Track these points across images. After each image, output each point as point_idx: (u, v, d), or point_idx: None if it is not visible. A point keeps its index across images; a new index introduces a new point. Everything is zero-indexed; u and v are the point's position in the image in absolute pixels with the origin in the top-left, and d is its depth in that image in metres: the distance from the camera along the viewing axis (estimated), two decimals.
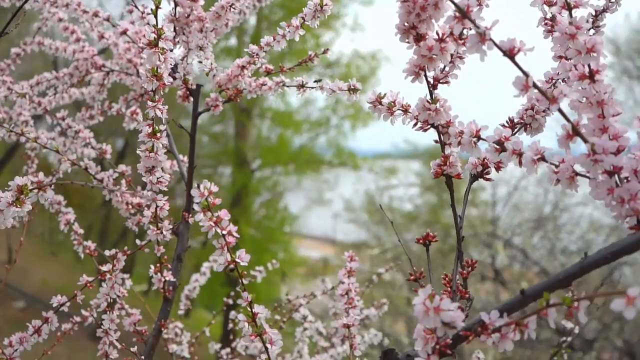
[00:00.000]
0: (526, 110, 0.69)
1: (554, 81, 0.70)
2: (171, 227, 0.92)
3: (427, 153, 11.93)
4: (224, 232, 0.63)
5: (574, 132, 0.52)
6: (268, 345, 0.65)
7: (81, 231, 1.11)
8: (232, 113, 11.79)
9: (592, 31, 0.73)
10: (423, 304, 0.51)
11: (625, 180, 0.52)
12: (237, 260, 0.64)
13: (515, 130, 0.70)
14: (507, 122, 0.70)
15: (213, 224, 0.63)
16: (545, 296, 0.48)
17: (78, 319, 1.14)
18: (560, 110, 0.52)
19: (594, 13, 0.73)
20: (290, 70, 1.00)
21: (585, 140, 0.52)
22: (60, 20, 1.21)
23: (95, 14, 1.11)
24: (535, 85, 0.51)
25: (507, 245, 6.13)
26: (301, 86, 0.97)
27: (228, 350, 1.38)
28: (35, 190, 0.67)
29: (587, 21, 0.72)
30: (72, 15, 1.17)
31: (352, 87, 0.85)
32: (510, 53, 0.51)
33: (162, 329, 1.00)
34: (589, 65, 0.54)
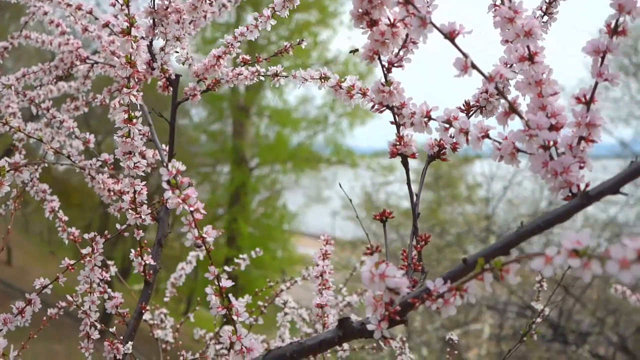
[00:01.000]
0: (481, 93, 0.73)
1: (508, 66, 0.73)
2: (150, 211, 0.95)
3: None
4: (192, 209, 0.66)
5: (511, 109, 0.55)
6: (234, 317, 0.69)
7: (65, 218, 1.15)
8: (230, 112, 11.83)
9: (545, 17, 0.76)
10: (369, 271, 0.54)
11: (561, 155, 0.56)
12: (204, 235, 0.67)
13: (472, 112, 0.73)
14: (463, 104, 0.73)
15: (181, 201, 0.66)
16: (479, 261, 0.51)
17: (63, 303, 1.17)
18: (498, 89, 0.55)
19: (547, 0, 0.76)
20: (266, 61, 1.04)
21: (521, 117, 0.55)
22: (45, 13, 1.25)
23: (78, 7, 1.14)
24: (473, 66, 0.54)
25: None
26: (275, 75, 1.00)
27: (211, 334, 1.41)
28: (12, 172, 0.71)
29: (541, 8, 0.76)
30: (56, 8, 1.21)
31: (323, 75, 0.88)
32: (450, 36, 0.55)
33: (143, 311, 1.04)
34: (528, 47, 0.58)
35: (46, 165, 1.01)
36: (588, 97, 0.56)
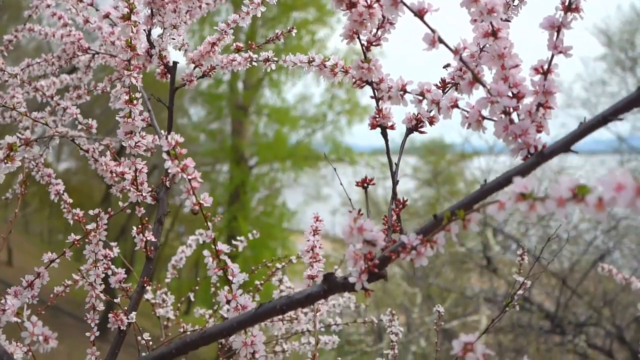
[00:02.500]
0: (456, 71, 0.79)
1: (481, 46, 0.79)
2: (150, 189, 1.01)
3: (423, 147, 12.03)
4: (190, 178, 0.72)
5: (475, 79, 0.61)
6: (230, 277, 0.75)
7: (70, 200, 1.21)
8: (228, 111, 11.89)
9: (516, 1, 0.82)
10: (349, 225, 0.60)
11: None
12: (202, 202, 0.73)
13: (447, 88, 0.79)
14: (439, 81, 0.79)
15: (180, 170, 0.72)
16: (446, 215, 0.57)
17: (69, 282, 1.23)
18: (462, 61, 0.61)
19: None
20: (258, 48, 1.10)
21: (484, 86, 0.61)
22: (48, 6, 1.31)
23: (79, 0, 1.20)
24: (440, 40, 0.60)
25: (498, 233, 6.23)
26: (267, 60, 1.06)
27: (210, 311, 1.47)
28: (23, 146, 0.77)
29: None
30: (56, 2, 1.27)
31: (311, 59, 0.94)
32: (420, 13, 0.61)
33: (145, 285, 1.10)
34: (491, 24, 0.64)
35: (55, 142, 1.07)
36: (545, 67, 0.62)
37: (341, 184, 1.00)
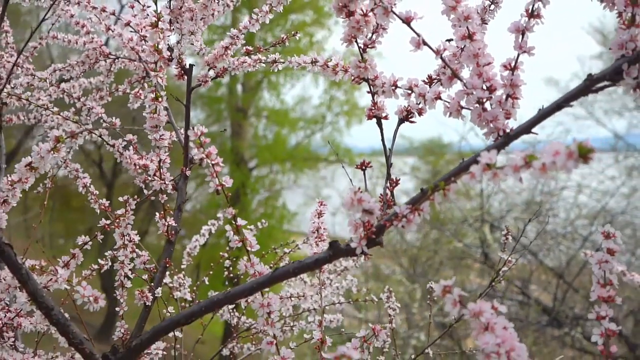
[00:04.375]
0: (440, 68, 0.91)
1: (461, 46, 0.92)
2: (172, 178, 1.14)
3: (422, 148, 12.16)
4: (213, 163, 0.85)
5: (453, 74, 0.74)
6: (248, 248, 0.87)
7: (96, 192, 1.33)
8: (228, 113, 12.02)
9: (492, 6, 0.94)
10: (350, 197, 0.73)
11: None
12: (223, 183, 0.86)
13: (433, 83, 0.91)
14: (427, 78, 0.92)
15: (205, 156, 0.84)
16: (430, 187, 0.69)
17: (95, 266, 1.35)
18: (442, 59, 0.74)
19: None
20: (265, 51, 1.22)
21: (461, 80, 0.74)
22: (72, 16, 1.43)
23: (103, 9, 1.32)
24: (424, 42, 0.73)
25: (496, 229, 6.35)
26: (274, 62, 1.19)
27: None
28: (69, 138, 0.89)
29: None
30: (82, 12, 1.39)
31: (314, 59, 1.06)
32: (407, 20, 0.73)
33: (167, 265, 1.22)
34: (467, 28, 0.76)
35: (93, 134, 1.19)
36: (512, 65, 0.75)
37: (349, 179, 1.12)
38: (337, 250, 0.80)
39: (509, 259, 1.31)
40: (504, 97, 0.75)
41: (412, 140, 12.46)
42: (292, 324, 1.44)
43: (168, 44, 1.22)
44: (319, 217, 1.19)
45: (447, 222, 8.20)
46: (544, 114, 0.69)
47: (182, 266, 1.62)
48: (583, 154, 0.50)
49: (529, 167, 0.55)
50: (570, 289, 6.44)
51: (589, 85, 0.67)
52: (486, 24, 0.91)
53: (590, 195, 8.32)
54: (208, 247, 10.30)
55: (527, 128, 0.69)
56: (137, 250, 1.25)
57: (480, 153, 0.59)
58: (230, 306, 1.56)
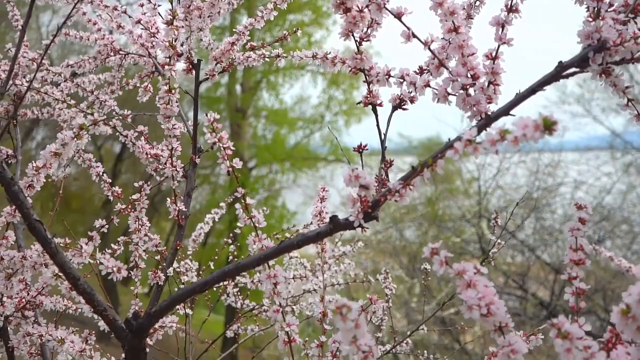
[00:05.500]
0: (430, 59, 0.99)
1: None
2: (183, 165, 1.22)
3: (421, 146, 12.25)
4: (225, 146, 0.93)
5: (440, 64, 0.82)
6: (257, 224, 0.95)
7: (109, 180, 1.41)
8: (227, 114, 12.10)
9: (477, 2, 1.02)
10: (348, 174, 0.81)
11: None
12: (234, 164, 0.94)
13: (424, 73, 1.00)
14: (418, 68, 1.00)
15: (217, 141, 0.93)
16: (419, 163, 0.78)
17: (110, 250, 1.43)
18: (430, 50, 0.82)
19: None
20: (269, 46, 1.31)
21: (447, 69, 0.82)
22: (84, 14, 1.51)
23: (115, 8, 1.40)
24: (414, 35, 0.81)
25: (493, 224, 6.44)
26: (277, 56, 1.27)
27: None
28: (92, 125, 0.97)
29: None
30: (94, 10, 1.47)
31: (314, 54, 1.14)
32: (398, 15, 0.82)
33: (178, 247, 1.30)
34: (453, 22, 0.84)
35: (108, 125, 1.27)
36: (493, 55, 0.83)
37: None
38: (337, 223, 0.88)
39: (499, 241, 1.39)
40: (486, 83, 0.83)
41: (411, 139, 12.53)
42: (293, 306, 1.53)
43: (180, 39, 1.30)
44: (321, 202, 1.27)
45: (447, 219, 8.30)
46: (520, 98, 0.77)
47: (188, 252, 1.70)
48: (548, 126, 0.59)
49: (503, 140, 0.63)
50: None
51: (560, 71, 0.75)
52: (472, 18, 0.99)
53: (587, 192, 8.41)
54: (208, 247, 10.38)
55: (505, 111, 0.78)
56: (149, 234, 1.34)
57: (464, 132, 0.68)
58: (235, 289, 1.65)
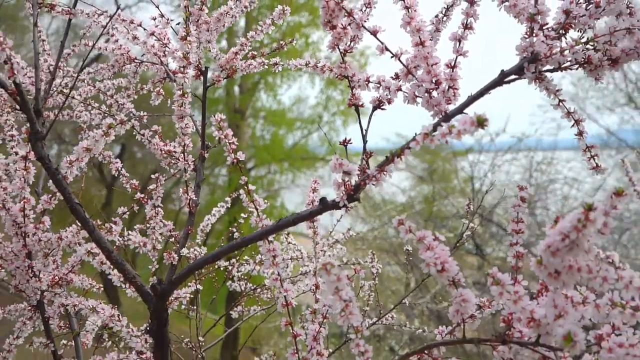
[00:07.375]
0: (402, 68, 1.18)
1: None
2: (194, 159, 1.40)
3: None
4: (230, 141, 1.11)
5: (408, 72, 1.01)
6: (257, 207, 1.14)
7: (127, 174, 1.59)
8: (225, 115, 12.27)
9: (444, 18, 1.21)
10: (333, 162, 0.99)
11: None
12: (238, 157, 1.12)
13: (398, 79, 1.18)
14: (394, 74, 1.18)
15: (223, 137, 1.11)
16: (390, 152, 0.96)
17: (137, 227, 1.61)
18: (400, 61, 1.00)
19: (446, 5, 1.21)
20: (268, 55, 1.49)
21: (414, 76, 1.01)
22: (103, 27, 1.69)
23: (131, 21, 1.59)
24: (386, 49, 1.00)
25: (486, 220, 6.63)
26: (276, 64, 1.45)
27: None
28: (119, 124, 1.16)
29: (442, 11, 1.21)
30: (113, 24, 1.66)
31: (307, 62, 1.33)
32: (374, 33, 1.00)
33: (189, 232, 1.48)
34: (419, 37, 1.03)
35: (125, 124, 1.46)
36: (452, 64, 1.02)
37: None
38: (326, 204, 1.06)
39: (472, 225, 1.57)
40: (447, 88, 1.01)
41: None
42: (291, 284, 1.71)
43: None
44: (313, 193, 1.45)
45: (442, 217, 8.49)
46: (471, 99, 0.96)
47: (197, 240, 1.89)
48: (480, 122, 0.77)
49: (451, 133, 0.82)
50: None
51: (502, 78, 0.94)
52: (439, 31, 1.17)
53: (579, 189, 8.60)
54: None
55: (459, 110, 0.96)
56: (163, 220, 1.52)
57: (423, 127, 0.86)
58: (239, 272, 1.84)
